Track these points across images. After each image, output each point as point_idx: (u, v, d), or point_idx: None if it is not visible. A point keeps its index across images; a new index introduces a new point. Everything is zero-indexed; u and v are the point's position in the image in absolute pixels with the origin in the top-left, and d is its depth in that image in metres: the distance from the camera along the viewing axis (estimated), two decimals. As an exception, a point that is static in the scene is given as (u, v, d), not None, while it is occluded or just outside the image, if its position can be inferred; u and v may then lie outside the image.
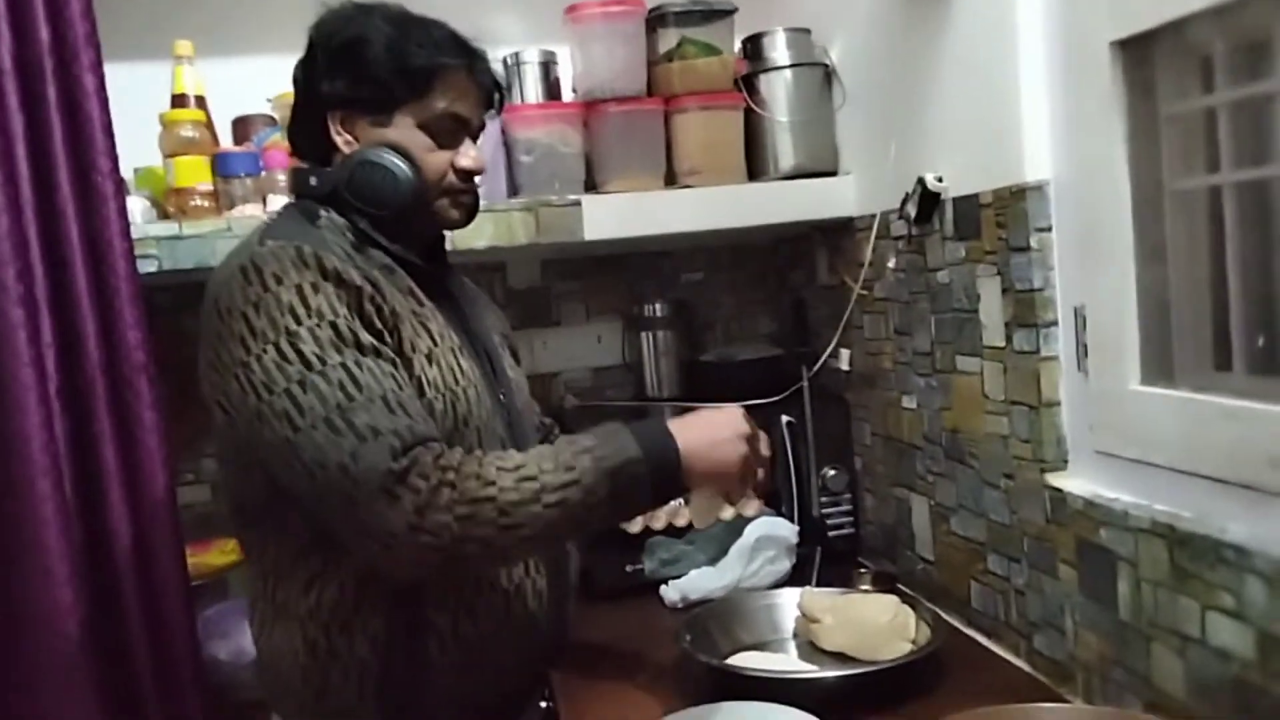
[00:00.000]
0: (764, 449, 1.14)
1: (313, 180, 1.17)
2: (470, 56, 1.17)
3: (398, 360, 1.05)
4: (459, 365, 1.14)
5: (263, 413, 0.98)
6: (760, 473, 1.13)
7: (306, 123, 1.18)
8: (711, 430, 1.08)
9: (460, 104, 1.17)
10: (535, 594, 1.18)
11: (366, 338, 1.02)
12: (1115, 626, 1.12)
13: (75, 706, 1.35)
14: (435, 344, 1.13)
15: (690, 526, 1.72)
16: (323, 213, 1.14)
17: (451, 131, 1.17)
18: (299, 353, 0.98)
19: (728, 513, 1.71)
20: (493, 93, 1.23)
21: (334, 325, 1.00)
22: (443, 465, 0.96)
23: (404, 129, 1.15)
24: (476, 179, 1.22)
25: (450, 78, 1.15)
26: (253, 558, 1.16)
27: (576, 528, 1.03)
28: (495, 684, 1.16)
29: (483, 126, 1.22)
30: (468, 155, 1.18)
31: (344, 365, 0.98)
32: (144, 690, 1.42)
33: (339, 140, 1.16)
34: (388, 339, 1.06)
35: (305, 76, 1.18)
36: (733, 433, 1.09)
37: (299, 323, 0.99)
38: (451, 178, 1.18)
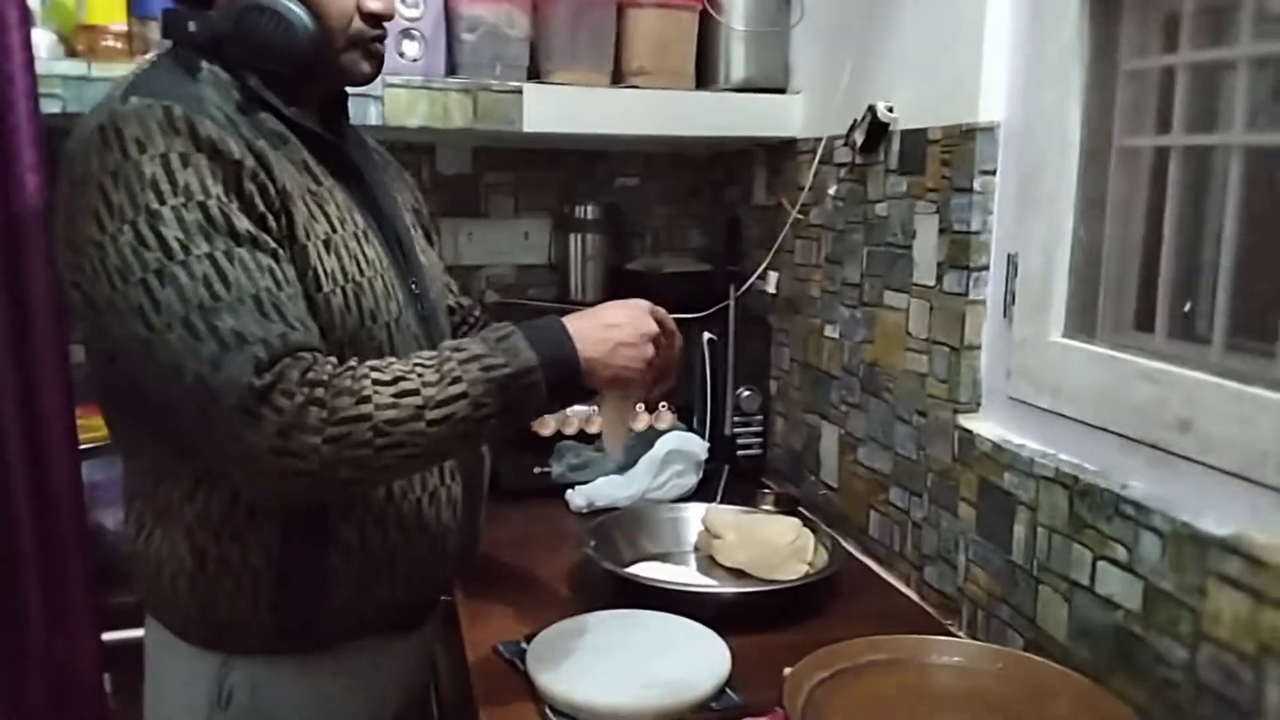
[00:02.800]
0: (677, 344, 1.08)
1: (191, 25, 0.99)
2: None
3: (280, 252, 0.92)
4: (363, 253, 1.02)
5: (115, 303, 0.87)
6: (669, 373, 1.08)
7: None
8: (614, 332, 0.99)
9: None
10: (449, 502, 1.10)
11: (243, 224, 0.89)
12: (1006, 566, 1.16)
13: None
14: (334, 229, 1.00)
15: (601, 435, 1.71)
16: (204, 65, 0.98)
17: None
18: (159, 237, 0.85)
19: (640, 423, 1.72)
20: None
21: (203, 206, 0.87)
22: (310, 380, 0.85)
23: None
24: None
25: None
26: (129, 451, 1.04)
27: (465, 443, 0.94)
28: (402, 596, 1.08)
29: None
30: None
31: (210, 256, 0.86)
32: (22, 553, 1.36)
33: None
34: (272, 223, 0.92)
35: None
36: (636, 334, 1.00)
37: (162, 201, 0.86)
38: (359, 23, 1.02)
